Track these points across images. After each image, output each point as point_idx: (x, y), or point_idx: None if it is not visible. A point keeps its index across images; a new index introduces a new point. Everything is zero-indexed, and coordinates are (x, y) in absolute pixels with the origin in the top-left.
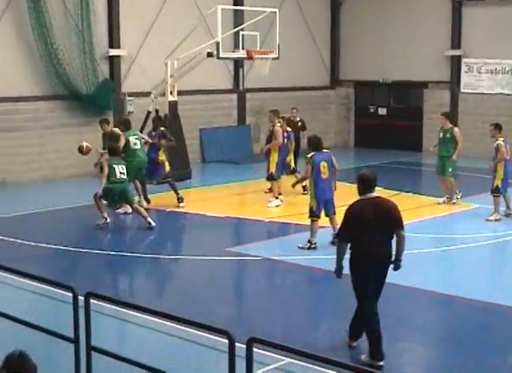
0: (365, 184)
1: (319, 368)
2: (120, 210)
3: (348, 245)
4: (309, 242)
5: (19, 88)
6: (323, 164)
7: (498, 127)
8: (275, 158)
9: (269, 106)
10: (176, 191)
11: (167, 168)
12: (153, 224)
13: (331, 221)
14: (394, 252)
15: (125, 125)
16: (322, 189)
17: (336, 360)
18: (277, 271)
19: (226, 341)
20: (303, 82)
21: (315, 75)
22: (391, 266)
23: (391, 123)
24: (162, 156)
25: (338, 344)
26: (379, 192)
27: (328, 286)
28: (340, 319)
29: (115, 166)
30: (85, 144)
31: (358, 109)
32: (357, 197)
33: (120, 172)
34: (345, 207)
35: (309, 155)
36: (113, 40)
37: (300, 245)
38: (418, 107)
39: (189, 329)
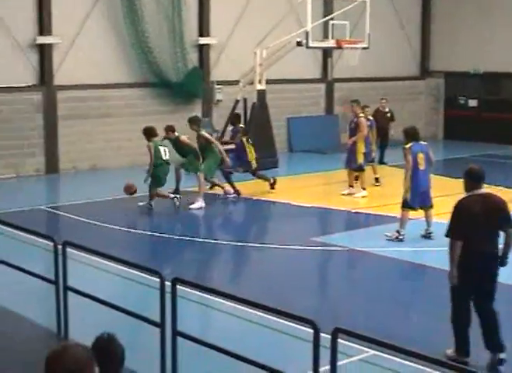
0: (473, 179)
1: (403, 361)
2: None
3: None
4: (397, 232)
5: (111, 76)
6: (420, 155)
7: None
8: (361, 148)
9: (357, 96)
10: (266, 179)
11: (254, 165)
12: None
13: (426, 214)
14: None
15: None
16: (419, 180)
17: (423, 353)
18: (362, 262)
19: (310, 330)
20: (392, 72)
21: (404, 66)
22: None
23: (482, 115)
24: (251, 153)
25: (422, 337)
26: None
27: (414, 279)
28: (424, 312)
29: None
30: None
31: (447, 101)
32: (446, 189)
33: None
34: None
35: (407, 146)
36: (203, 29)
37: (388, 234)
38: (510, 99)
39: (272, 318)
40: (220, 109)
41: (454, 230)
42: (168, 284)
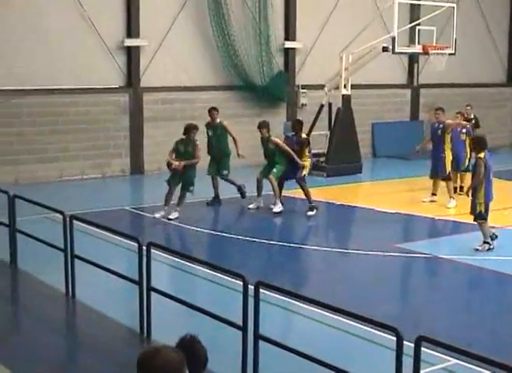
0: None
1: (485, 371)
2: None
3: None
4: (486, 242)
5: (197, 78)
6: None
7: None
8: (449, 156)
9: (443, 102)
10: (307, 195)
11: (304, 172)
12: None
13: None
14: None
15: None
16: (490, 190)
17: (505, 363)
18: (446, 270)
19: (391, 337)
20: (478, 79)
21: (491, 72)
22: None
23: None
24: (306, 161)
25: (504, 347)
26: None
27: (497, 288)
28: (507, 322)
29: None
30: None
31: None
32: None
33: None
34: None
35: (481, 155)
36: (289, 33)
37: (479, 248)
38: None
39: (355, 323)
40: (305, 113)
41: None
42: (251, 287)
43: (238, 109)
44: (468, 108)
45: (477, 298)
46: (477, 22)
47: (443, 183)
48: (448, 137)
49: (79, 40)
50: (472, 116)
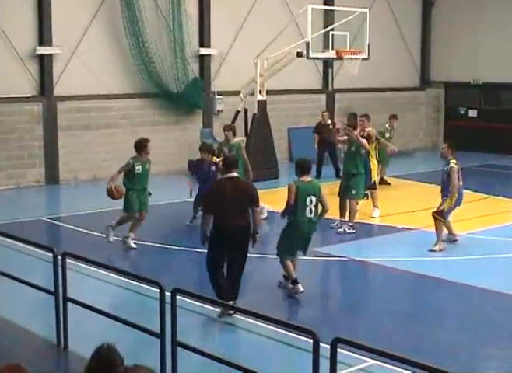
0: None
1: (404, 371)
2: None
3: None
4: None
5: (111, 86)
6: None
7: None
8: (375, 165)
9: (358, 107)
10: None
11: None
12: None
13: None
14: None
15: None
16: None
17: (422, 363)
18: (363, 272)
19: (311, 341)
20: (392, 83)
21: (405, 76)
22: None
23: (482, 125)
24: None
25: (422, 347)
26: (468, 195)
27: (413, 288)
28: (423, 322)
29: None
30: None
31: (448, 111)
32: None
33: None
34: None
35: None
36: (204, 39)
37: (435, 248)
38: (510, 109)
39: (273, 328)
40: (221, 119)
41: None
42: (168, 294)
43: (154, 117)
44: (325, 114)
45: (394, 298)
46: (390, 27)
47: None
48: (372, 146)
49: None
50: (330, 122)
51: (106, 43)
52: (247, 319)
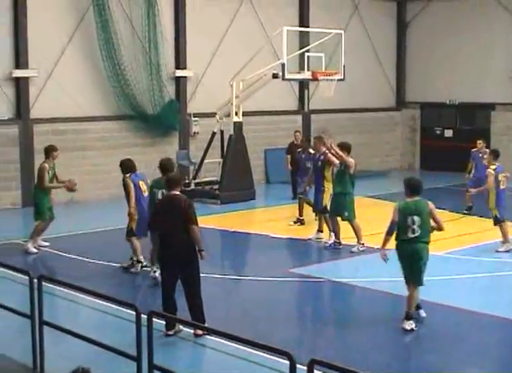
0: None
1: None
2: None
3: None
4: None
5: (88, 109)
6: None
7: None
8: (329, 190)
9: (334, 128)
10: None
11: None
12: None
13: None
14: None
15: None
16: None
17: None
18: (340, 293)
19: (286, 361)
20: (368, 104)
21: (380, 97)
22: None
23: (458, 145)
24: None
25: (400, 367)
26: (444, 214)
27: (390, 308)
28: (400, 343)
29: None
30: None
31: (424, 131)
32: None
33: None
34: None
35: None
36: (180, 61)
37: (501, 250)
38: (485, 129)
39: (250, 350)
40: (197, 141)
41: None
42: (144, 317)
43: (130, 139)
44: (297, 134)
45: (373, 319)
46: (365, 48)
47: None
48: (329, 169)
49: None
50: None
51: (82, 65)
52: (223, 341)
